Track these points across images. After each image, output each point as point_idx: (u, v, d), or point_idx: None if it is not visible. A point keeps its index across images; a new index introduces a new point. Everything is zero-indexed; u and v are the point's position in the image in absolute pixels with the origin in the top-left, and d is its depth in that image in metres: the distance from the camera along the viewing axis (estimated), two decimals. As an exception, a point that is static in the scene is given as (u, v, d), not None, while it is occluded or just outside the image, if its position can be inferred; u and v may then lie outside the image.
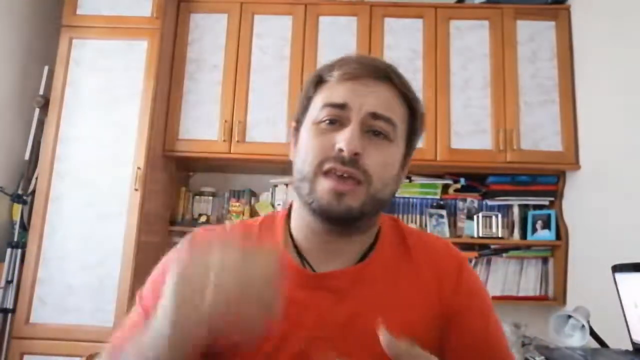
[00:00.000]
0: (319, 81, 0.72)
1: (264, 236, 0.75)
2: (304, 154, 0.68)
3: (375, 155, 0.66)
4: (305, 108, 0.73)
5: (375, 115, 0.67)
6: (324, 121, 0.68)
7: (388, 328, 0.67)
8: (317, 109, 0.70)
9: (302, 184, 0.68)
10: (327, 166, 0.65)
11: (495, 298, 1.85)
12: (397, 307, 0.69)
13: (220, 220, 2.41)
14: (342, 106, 0.67)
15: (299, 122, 0.74)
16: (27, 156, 2.17)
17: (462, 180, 2.39)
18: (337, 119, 0.67)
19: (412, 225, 1.68)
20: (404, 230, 0.77)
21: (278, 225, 0.76)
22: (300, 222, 0.73)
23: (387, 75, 0.70)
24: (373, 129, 0.67)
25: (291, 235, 0.74)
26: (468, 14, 2.35)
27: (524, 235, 2.32)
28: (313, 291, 0.68)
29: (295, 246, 0.73)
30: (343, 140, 0.64)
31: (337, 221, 0.67)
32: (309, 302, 0.68)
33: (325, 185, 0.65)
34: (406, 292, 0.70)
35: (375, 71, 0.69)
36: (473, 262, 2.28)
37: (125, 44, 2.17)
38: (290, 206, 0.77)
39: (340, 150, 0.64)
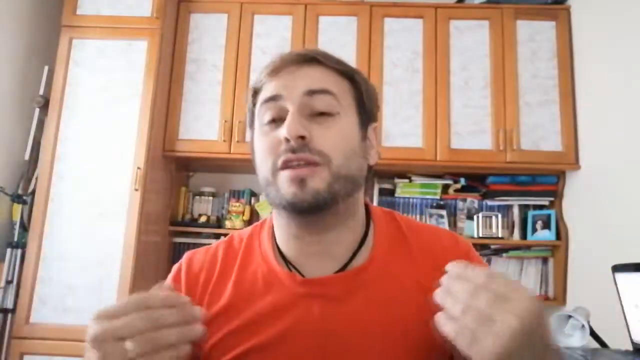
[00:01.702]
0: (255, 92, 0.71)
1: (249, 249, 0.73)
2: (259, 161, 0.68)
3: (324, 133, 0.64)
4: (251, 117, 0.72)
5: (311, 92, 0.65)
6: (266, 123, 0.67)
7: (389, 333, 0.64)
8: (257, 115, 0.69)
9: (268, 189, 0.66)
10: (280, 160, 0.63)
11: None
12: (398, 310, 0.65)
13: (220, 220, 2.41)
14: (275, 97, 0.66)
15: (250, 128, 0.73)
16: (27, 156, 2.17)
17: (462, 180, 2.39)
18: (277, 116, 0.66)
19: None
20: (402, 225, 0.74)
21: (265, 234, 0.74)
22: (280, 230, 0.71)
23: (313, 58, 0.68)
24: (315, 110, 0.65)
25: (277, 244, 0.72)
26: (468, 14, 2.35)
27: (524, 235, 2.33)
28: (306, 299, 0.65)
29: (282, 254, 0.70)
30: (285, 128, 0.63)
31: (309, 211, 0.63)
32: (302, 312, 0.65)
33: (285, 177, 0.63)
34: (408, 292, 0.66)
35: (300, 57, 0.68)
36: (473, 262, 2.28)
37: (125, 44, 2.17)
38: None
39: (286, 140, 0.62)
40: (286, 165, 0.63)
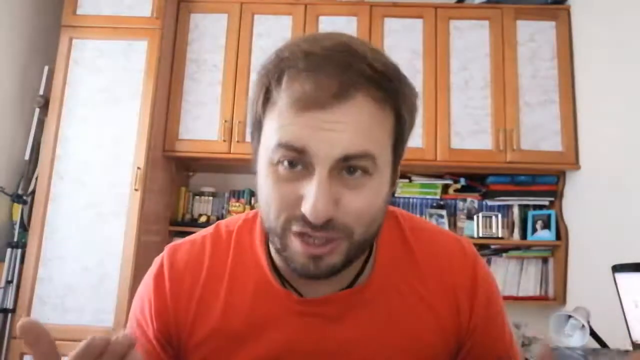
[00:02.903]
0: (266, 97, 0.55)
1: (240, 248, 0.65)
2: (265, 203, 0.54)
3: (353, 200, 0.52)
4: (256, 129, 0.57)
5: (346, 158, 0.51)
6: (280, 164, 0.52)
7: (391, 350, 0.62)
8: (270, 145, 0.53)
9: (272, 236, 0.56)
10: (295, 229, 0.52)
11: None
12: (401, 327, 0.62)
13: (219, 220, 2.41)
14: (299, 150, 0.51)
15: (253, 138, 0.59)
16: (27, 156, 2.17)
17: (462, 180, 2.39)
18: (296, 162, 0.52)
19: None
20: (406, 232, 0.67)
21: (257, 238, 0.65)
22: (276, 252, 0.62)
23: (356, 85, 0.51)
24: (348, 170, 0.52)
25: (270, 254, 0.63)
26: (468, 14, 2.35)
27: (524, 235, 2.32)
28: (302, 317, 0.61)
29: (276, 267, 0.63)
30: (307, 204, 0.50)
31: (318, 279, 0.56)
32: (299, 330, 0.61)
33: (297, 248, 0.53)
34: (411, 307, 0.63)
35: (339, 89, 0.50)
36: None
37: (125, 44, 2.17)
38: None
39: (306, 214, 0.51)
40: (301, 234, 0.53)
